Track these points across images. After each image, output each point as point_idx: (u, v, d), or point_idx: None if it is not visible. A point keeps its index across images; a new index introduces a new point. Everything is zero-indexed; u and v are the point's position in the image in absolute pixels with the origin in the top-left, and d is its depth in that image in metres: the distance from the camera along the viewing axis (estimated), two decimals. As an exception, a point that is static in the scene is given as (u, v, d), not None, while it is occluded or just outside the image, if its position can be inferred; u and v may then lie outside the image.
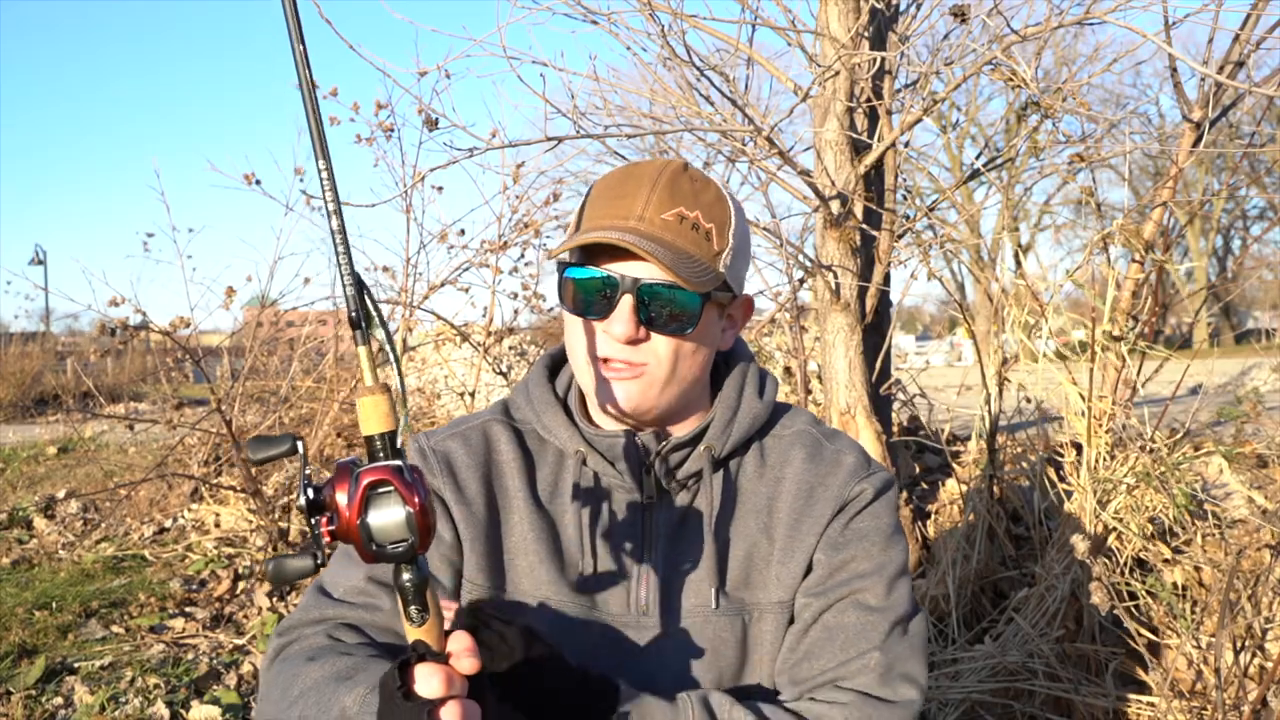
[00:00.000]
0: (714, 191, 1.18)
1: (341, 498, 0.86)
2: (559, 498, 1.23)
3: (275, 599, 4.00)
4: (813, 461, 1.24)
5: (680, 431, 1.23)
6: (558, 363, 1.32)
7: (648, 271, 1.13)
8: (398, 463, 0.87)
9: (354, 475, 0.87)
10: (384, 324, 0.92)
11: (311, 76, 0.88)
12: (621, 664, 1.18)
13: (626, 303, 1.13)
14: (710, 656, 1.20)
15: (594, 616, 1.20)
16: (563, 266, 1.18)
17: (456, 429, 1.28)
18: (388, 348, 0.93)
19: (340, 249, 0.88)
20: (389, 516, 0.86)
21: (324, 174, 0.88)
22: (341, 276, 0.89)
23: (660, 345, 1.15)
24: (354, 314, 0.89)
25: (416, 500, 0.86)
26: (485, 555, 1.21)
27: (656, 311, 1.13)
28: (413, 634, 0.91)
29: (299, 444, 0.90)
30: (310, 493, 0.87)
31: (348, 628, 1.18)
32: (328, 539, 0.87)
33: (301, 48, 0.88)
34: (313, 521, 0.88)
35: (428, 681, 0.88)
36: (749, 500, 1.24)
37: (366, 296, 0.90)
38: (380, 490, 0.86)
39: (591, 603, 1.20)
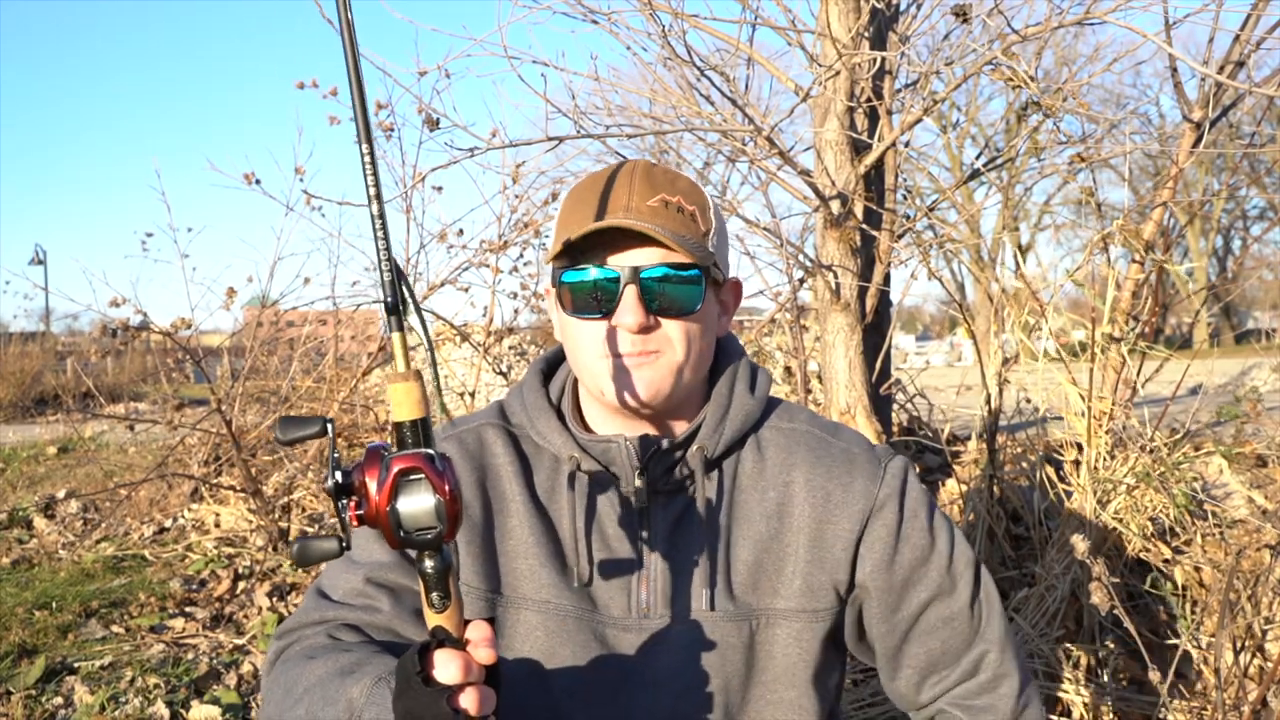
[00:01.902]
0: (686, 180, 1.20)
1: (371, 483, 0.87)
2: (556, 501, 1.23)
3: (275, 599, 4.00)
4: (822, 464, 1.22)
5: (675, 432, 1.23)
6: (552, 366, 1.32)
7: (644, 259, 1.13)
8: (429, 450, 0.88)
9: (385, 461, 0.87)
10: (419, 310, 0.92)
11: (357, 54, 0.89)
12: (624, 666, 1.18)
13: (631, 293, 1.13)
14: (715, 659, 1.19)
15: (596, 619, 1.19)
16: (556, 275, 1.18)
17: (451, 432, 1.28)
18: (422, 335, 0.93)
19: (380, 234, 0.88)
20: (419, 504, 0.87)
21: (367, 159, 0.88)
22: (380, 263, 0.89)
23: (671, 330, 1.16)
24: (390, 300, 0.89)
25: (446, 488, 0.87)
26: (480, 559, 1.21)
27: (661, 297, 1.14)
28: (433, 620, 0.92)
29: (329, 425, 0.91)
30: (339, 475, 0.88)
31: (348, 628, 1.18)
32: (355, 523, 0.88)
33: (348, 15, 0.88)
34: (340, 504, 0.88)
35: (446, 667, 0.89)
36: (754, 503, 1.22)
37: (403, 284, 0.90)
38: (411, 477, 0.87)
39: (593, 605, 1.19)
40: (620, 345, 1.15)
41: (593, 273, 1.14)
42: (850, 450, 1.24)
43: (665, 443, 1.19)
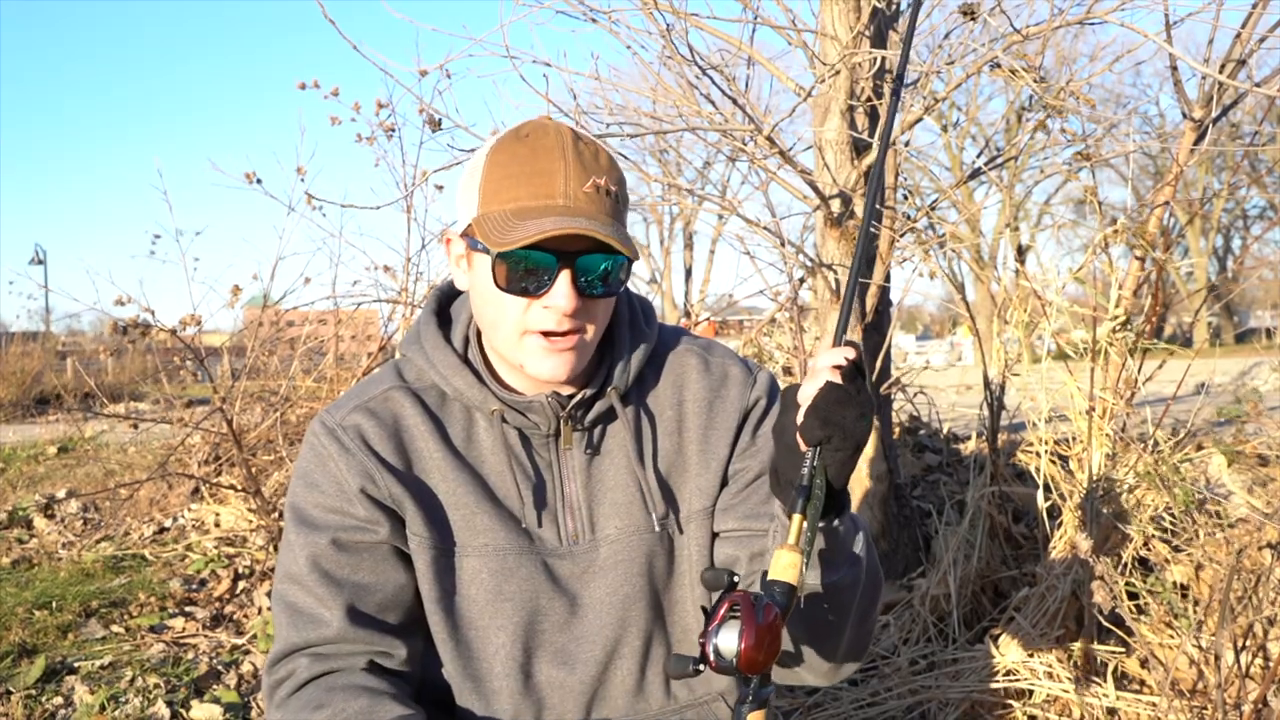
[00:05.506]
0: (605, 152, 1.23)
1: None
2: (476, 450, 1.28)
3: (275, 598, 4.00)
4: (705, 377, 1.34)
5: (588, 384, 1.29)
6: (443, 310, 1.34)
7: (580, 243, 1.16)
8: (757, 593, 0.99)
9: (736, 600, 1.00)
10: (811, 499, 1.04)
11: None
12: (568, 592, 1.28)
13: (565, 278, 1.17)
14: (644, 569, 1.29)
15: (534, 552, 1.27)
16: (484, 240, 1.17)
17: (358, 402, 1.29)
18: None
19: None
20: (728, 640, 0.98)
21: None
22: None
23: (596, 309, 1.22)
24: (801, 487, 1.03)
25: (750, 632, 0.96)
26: (424, 509, 1.25)
27: (592, 281, 1.19)
28: None
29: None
30: None
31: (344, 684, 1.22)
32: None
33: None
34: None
35: None
36: (658, 424, 1.33)
37: (812, 472, 1.03)
38: (733, 614, 0.98)
39: (529, 540, 1.27)
40: (546, 321, 1.19)
41: (529, 255, 1.16)
42: (726, 364, 1.37)
43: (586, 393, 1.27)
